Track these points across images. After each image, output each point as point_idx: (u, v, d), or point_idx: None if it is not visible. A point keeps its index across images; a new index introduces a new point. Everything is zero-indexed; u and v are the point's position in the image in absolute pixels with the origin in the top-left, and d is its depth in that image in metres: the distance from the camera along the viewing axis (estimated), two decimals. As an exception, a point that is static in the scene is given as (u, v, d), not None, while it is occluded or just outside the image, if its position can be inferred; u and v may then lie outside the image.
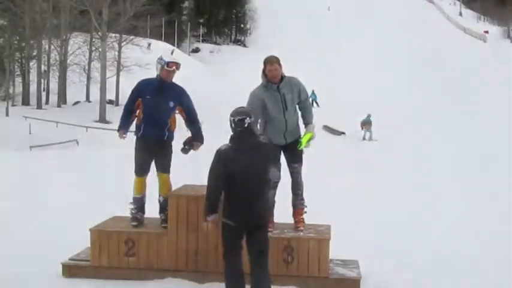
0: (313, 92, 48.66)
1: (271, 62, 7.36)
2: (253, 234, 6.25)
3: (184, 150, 7.79)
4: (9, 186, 15.04)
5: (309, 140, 7.46)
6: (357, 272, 7.34)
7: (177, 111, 7.84)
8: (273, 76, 7.37)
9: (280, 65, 7.38)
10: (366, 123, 38.67)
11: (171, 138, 7.81)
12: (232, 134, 6.31)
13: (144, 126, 7.73)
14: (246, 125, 6.23)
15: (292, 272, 7.17)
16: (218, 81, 68.36)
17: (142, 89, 7.77)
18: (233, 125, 6.28)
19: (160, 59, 7.72)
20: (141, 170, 7.80)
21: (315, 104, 47.20)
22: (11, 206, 12.19)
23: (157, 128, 7.70)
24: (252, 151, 6.22)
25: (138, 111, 7.81)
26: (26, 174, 17.65)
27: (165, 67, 7.61)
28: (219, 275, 7.17)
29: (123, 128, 7.83)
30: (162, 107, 7.66)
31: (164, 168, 7.80)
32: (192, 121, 7.89)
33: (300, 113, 7.70)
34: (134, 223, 7.75)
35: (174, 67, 7.65)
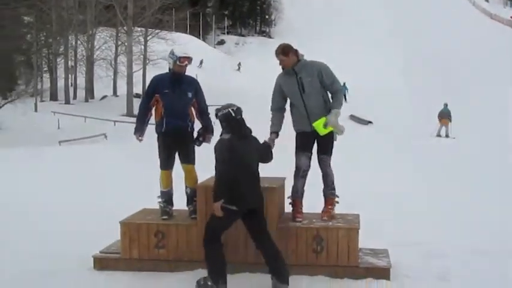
0: (344, 85, 46.49)
1: (276, 54, 7.50)
2: (254, 215, 6.72)
3: (198, 143, 7.84)
4: (41, 181, 15.22)
5: (325, 125, 7.33)
6: (387, 261, 7.31)
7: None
8: (283, 66, 7.49)
9: (285, 53, 7.41)
10: (444, 115, 32.57)
11: (193, 129, 7.87)
12: (229, 125, 6.66)
13: (167, 120, 7.75)
14: (242, 113, 6.73)
15: (321, 262, 7.17)
16: (244, 73, 68.31)
17: (158, 85, 7.81)
18: (233, 114, 6.69)
19: (172, 53, 7.76)
20: (167, 164, 7.84)
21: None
22: (44, 201, 12.35)
23: (181, 120, 7.74)
24: (250, 137, 6.78)
25: (155, 108, 7.87)
26: (56, 168, 17.84)
27: (177, 62, 7.66)
28: (248, 266, 7.23)
29: (140, 130, 7.91)
30: (182, 99, 7.71)
31: (189, 159, 7.82)
32: (204, 112, 7.94)
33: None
34: (164, 217, 7.80)
35: (186, 62, 7.68)
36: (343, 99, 7.55)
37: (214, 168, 6.58)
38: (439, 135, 31.53)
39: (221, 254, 6.65)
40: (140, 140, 7.88)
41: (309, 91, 7.40)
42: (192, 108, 7.88)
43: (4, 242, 8.77)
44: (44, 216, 10.54)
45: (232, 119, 6.68)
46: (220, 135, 6.71)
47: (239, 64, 41.68)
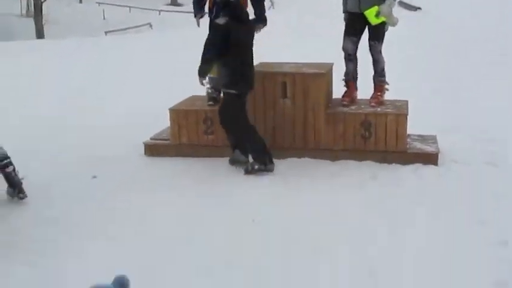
0: None
1: None
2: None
3: None
4: (88, 71, 15.39)
5: (377, 15, 7.18)
6: (435, 147, 7.30)
7: None
8: None
9: None
10: None
11: None
12: (227, 8, 6.81)
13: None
14: None
15: (369, 147, 7.20)
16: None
17: None
18: None
19: None
20: None
21: None
22: (90, 89, 12.54)
23: None
24: (248, 21, 6.97)
25: None
26: (103, 59, 17.96)
27: None
28: (296, 151, 7.31)
29: (199, 12, 7.93)
30: None
31: None
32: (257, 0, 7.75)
33: None
34: (210, 102, 7.86)
35: None
36: None
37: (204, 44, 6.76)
38: None
39: (258, 136, 6.93)
40: (201, 17, 7.92)
41: None
42: None
43: (55, 135, 8.98)
44: (93, 109, 10.71)
45: (231, 3, 6.77)
46: (217, 18, 6.90)
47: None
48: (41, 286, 4.53)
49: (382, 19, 7.25)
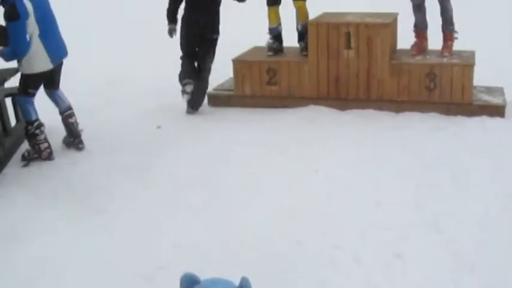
0: None
1: None
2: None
3: None
4: (140, 22, 15.38)
5: None
6: (502, 99, 7.19)
7: None
8: None
9: None
10: None
11: None
12: None
13: None
14: None
15: (434, 99, 7.14)
16: None
17: None
18: None
19: None
20: (274, 0, 7.85)
21: None
22: (146, 40, 12.62)
23: None
24: None
25: None
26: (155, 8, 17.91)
27: None
28: (360, 103, 7.34)
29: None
30: None
31: None
32: None
33: None
34: (270, 53, 7.91)
35: None
36: None
37: None
38: None
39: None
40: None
41: None
42: None
43: (120, 85, 9.16)
44: (154, 58, 10.76)
45: None
46: None
47: None
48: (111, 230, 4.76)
49: None
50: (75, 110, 6.60)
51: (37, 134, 6.20)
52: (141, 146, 6.57)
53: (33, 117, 6.20)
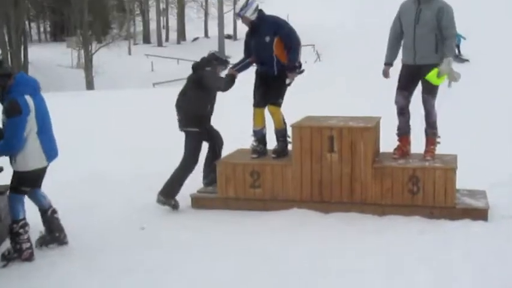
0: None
1: None
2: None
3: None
4: (136, 121, 15.66)
5: (439, 76, 7.17)
6: (485, 202, 7.23)
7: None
8: None
9: None
10: None
11: (281, 71, 7.81)
12: None
13: (256, 65, 8.06)
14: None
15: (417, 202, 7.17)
16: (335, 13, 67.20)
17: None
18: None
19: None
20: (256, 102, 8.03)
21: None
22: (138, 140, 12.75)
23: (265, 65, 7.88)
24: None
25: None
26: (152, 109, 18.25)
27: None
28: (343, 206, 7.34)
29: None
30: (259, 45, 7.84)
31: (271, 100, 7.92)
32: (287, 50, 7.83)
33: None
34: (254, 155, 8.01)
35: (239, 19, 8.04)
36: (455, 48, 7.36)
37: None
38: None
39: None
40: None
41: (422, 23, 7.31)
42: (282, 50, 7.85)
43: (110, 181, 9.18)
44: (143, 156, 10.89)
45: None
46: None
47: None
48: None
49: (444, 77, 7.26)
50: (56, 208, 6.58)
51: (21, 234, 6.12)
52: (123, 248, 6.49)
53: (21, 217, 6.14)
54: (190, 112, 7.84)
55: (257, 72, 8.06)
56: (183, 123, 7.91)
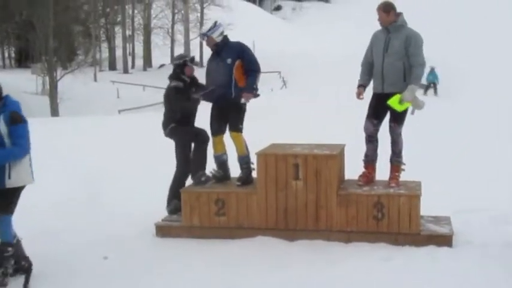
0: (432, 71, 32.95)
1: (377, 9, 7.54)
2: None
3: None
4: (100, 148, 15.49)
5: (401, 102, 7.21)
6: (449, 228, 7.27)
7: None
8: (382, 22, 7.51)
9: (386, 11, 7.43)
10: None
11: (238, 94, 7.88)
12: None
13: (213, 88, 8.00)
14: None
15: (382, 229, 7.18)
16: (301, 39, 67.82)
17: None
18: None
19: None
20: (214, 130, 8.06)
21: (433, 89, 33.46)
22: (102, 167, 12.61)
23: (223, 87, 7.87)
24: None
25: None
26: (117, 137, 18.11)
27: None
28: (309, 233, 7.31)
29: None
30: (219, 67, 7.90)
31: (231, 126, 7.96)
32: (247, 73, 7.94)
33: None
34: (212, 180, 8.05)
35: (202, 40, 8.23)
36: (422, 74, 7.35)
37: None
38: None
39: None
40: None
41: (391, 52, 7.38)
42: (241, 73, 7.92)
43: (72, 212, 9.04)
44: (107, 185, 10.76)
45: None
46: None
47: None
48: None
49: (406, 105, 7.30)
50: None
51: (11, 258, 6.04)
52: (85, 279, 6.36)
53: (13, 240, 6.04)
54: (164, 124, 8.17)
55: (213, 98, 8.03)
56: (164, 133, 8.29)
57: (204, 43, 8.11)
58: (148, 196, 9.57)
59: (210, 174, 8.11)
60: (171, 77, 8.26)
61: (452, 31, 53.20)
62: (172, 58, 8.82)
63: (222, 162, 8.12)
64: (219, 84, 7.90)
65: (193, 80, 8.31)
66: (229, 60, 7.81)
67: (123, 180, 10.82)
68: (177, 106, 8.09)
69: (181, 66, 8.20)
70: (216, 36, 7.91)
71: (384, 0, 7.54)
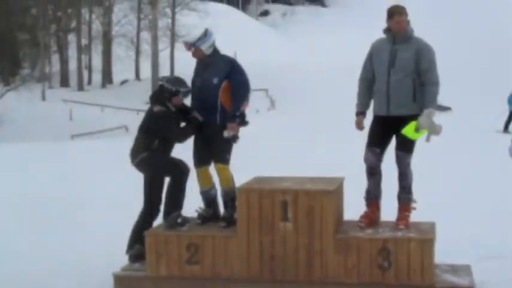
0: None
1: (400, 13, 7.42)
2: None
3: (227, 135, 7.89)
4: (48, 182, 15.44)
5: (417, 130, 7.19)
6: (469, 280, 7.26)
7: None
8: (401, 28, 7.40)
9: (405, 13, 7.40)
10: None
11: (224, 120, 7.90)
12: None
13: (197, 112, 8.04)
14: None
15: (389, 281, 7.16)
16: (292, 50, 68.30)
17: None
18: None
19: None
20: (196, 161, 8.06)
21: None
22: (51, 206, 12.56)
23: (207, 111, 7.91)
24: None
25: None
26: (68, 168, 18.08)
27: None
28: (300, 286, 7.27)
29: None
30: (205, 87, 7.89)
31: (215, 157, 7.96)
32: (233, 96, 7.94)
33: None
34: (198, 221, 7.99)
35: (187, 48, 8.01)
36: (437, 94, 7.28)
37: None
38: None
39: None
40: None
41: (399, 67, 7.36)
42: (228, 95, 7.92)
43: (18, 255, 8.98)
44: (56, 225, 10.71)
45: None
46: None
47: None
48: None
49: (423, 132, 7.28)
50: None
51: None
52: None
53: None
54: (135, 152, 8.07)
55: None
56: (133, 163, 8.14)
57: (190, 53, 8.00)
58: (106, 239, 9.52)
59: (196, 214, 8.06)
60: (156, 100, 8.04)
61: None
62: (167, 77, 8.34)
63: (210, 199, 8.11)
64: (202, 106, 7.93)
65: (180, 108, 8.18)
66: (215, 80, 7.80)
67: (72, 221, 10.76)
68: (176, 134, 7.97)
69: (172, 94, 7.95)
70: (206, 48, 7.86)
71: (395, 3, 7.51)
